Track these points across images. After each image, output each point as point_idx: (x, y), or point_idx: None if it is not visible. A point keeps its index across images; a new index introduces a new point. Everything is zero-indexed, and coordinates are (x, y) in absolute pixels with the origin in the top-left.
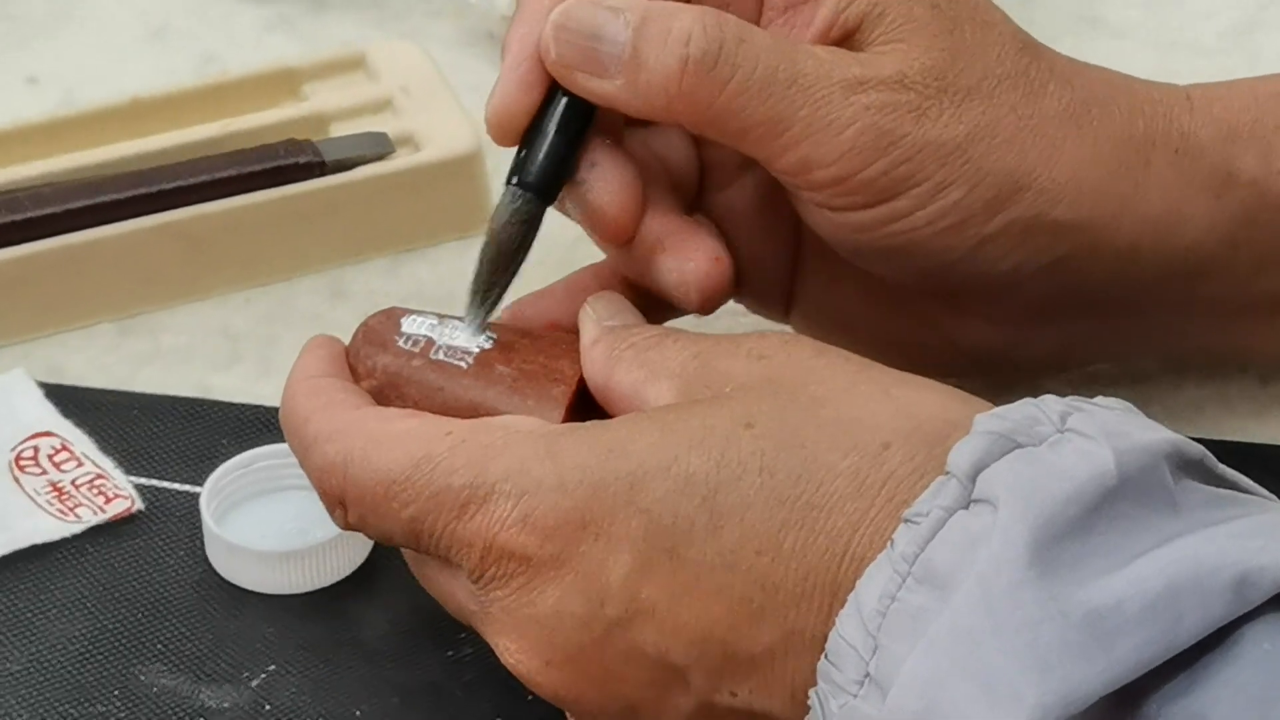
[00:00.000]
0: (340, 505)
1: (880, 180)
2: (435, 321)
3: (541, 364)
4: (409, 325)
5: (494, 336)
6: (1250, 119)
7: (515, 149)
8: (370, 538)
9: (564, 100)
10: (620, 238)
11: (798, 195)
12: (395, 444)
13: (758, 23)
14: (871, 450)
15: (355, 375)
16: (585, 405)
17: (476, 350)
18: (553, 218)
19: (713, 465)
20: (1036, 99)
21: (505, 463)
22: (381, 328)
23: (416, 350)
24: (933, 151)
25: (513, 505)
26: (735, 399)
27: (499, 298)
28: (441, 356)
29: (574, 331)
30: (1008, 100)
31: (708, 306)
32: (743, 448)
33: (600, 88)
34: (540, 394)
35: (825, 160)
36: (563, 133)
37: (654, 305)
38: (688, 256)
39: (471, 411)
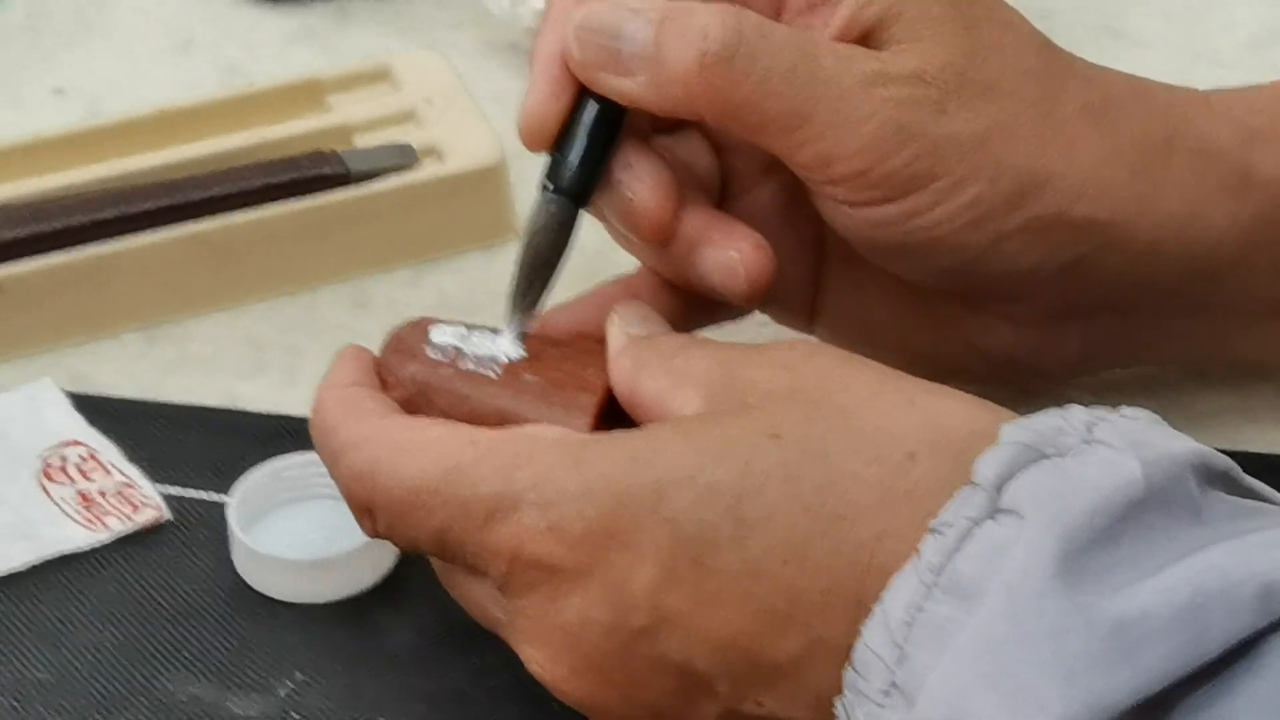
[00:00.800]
0: (368, 513)
1: (900, 175)
2: (464, 331)
3: (568, 373)
4: (437, 335)
5: (522, 346)
6: (1269, 121)
7: (544, 155)
8: (398, 546)
9: (594, 104)
10: (661, 235)
11: (817, 191)
12: (423, 452)
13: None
14: (896, 460)
15: (385, 385)
16: (612, 414)
17: (504, 360)
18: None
19: (738, 475)
20: (1056, 96)
21: (532, 472)
22: (410, 337)
23: (445, 360)
24: (953, 146)
25: (539, 514)
26: (760, 408)
27: (536, 304)
28: (470, 366)
29: (601, 341)
30: (1028, 96)
31: (755, 294)
32: (768, 457)
33: (624, 86)
34: (567, 403)
35: (845, 154)
36: (594, 136)
37: (688, 311)
38: (732, 246)
39: (499, 420)
